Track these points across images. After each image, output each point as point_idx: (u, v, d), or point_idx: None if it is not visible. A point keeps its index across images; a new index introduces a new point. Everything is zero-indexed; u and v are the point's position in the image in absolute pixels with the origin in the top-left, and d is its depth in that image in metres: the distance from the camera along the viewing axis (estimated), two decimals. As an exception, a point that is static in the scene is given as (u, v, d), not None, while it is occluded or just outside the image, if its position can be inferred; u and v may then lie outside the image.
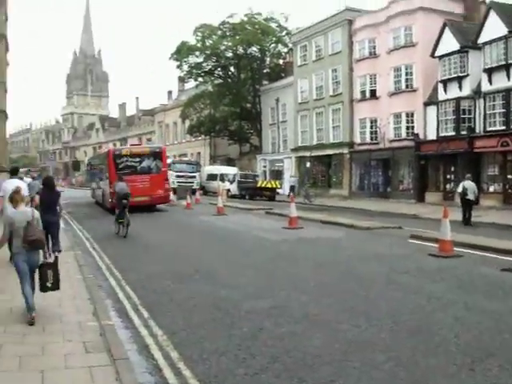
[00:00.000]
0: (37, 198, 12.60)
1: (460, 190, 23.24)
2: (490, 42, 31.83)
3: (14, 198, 8.20)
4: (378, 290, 9.92)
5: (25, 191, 11.81)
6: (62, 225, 17.35)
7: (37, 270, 8.13)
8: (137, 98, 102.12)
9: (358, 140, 43.55)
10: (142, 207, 26.19)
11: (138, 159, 28.95)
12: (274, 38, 60.01)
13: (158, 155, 29.72)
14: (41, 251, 8.23)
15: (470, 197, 22.59)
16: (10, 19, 32.20)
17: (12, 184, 11.44)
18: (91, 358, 6.36)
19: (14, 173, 14.06)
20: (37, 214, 8.29)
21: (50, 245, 12.40)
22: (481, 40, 32.34)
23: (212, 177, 50.82)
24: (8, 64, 32.38)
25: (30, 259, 7.89)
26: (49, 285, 8.24)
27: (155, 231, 20.50)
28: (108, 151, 31.46)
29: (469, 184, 23.06)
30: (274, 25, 59.85)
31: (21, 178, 14.80)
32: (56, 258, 8.86)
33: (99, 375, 5.80)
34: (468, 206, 22.61)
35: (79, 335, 7.21)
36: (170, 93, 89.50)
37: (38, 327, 7.55)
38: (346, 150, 44.67)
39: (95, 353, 6.52)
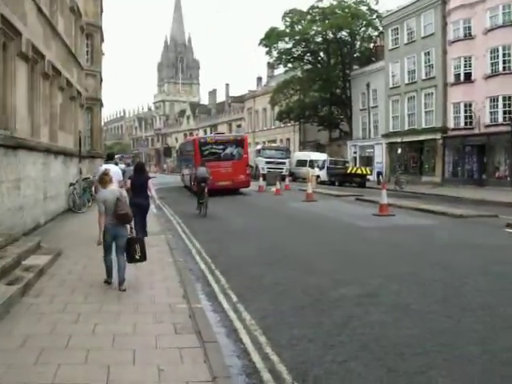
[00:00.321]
0: (128, 182, 13.17)
1: None
2: None
3: (104, 179, 9.19)
4: (472, 281, 9.57)
5: (119, 176, 13.15)
6: (153, 209, 17.90)
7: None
8: (227, 84, 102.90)
9: (451, 125, 42.20)
10: (225, 190, 28.55)
11: (221, 147, 31.49)
12: (365, 22, 58.94)
13: (240, 143, 32.16)
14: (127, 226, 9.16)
15: None
16: (104, 11, 33.15)
17: (108, 168, 11.66)
18: (181, 339, 6.49)
19: (109, 158, 15.56)
20: (124, 192, 9.53)
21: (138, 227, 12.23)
22: None
23: (301, 163, 50.75)
24: (103, 54, 33.42)
25: (116, 232, 8.86)
26: (137, 257, 9.07)
27: (245, 217, 20.67)
28: (194, 139, 34.58)
29: None
30: (364, 8, 58.81)
31: (116, 164, 15.71)
32: (139, 237, 9.88)
33: (188, 356, 5.90)
34: None
35: (169, 317, 7.36)
36: (259, 79, 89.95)
37: (131, 307, 7.80)
38: (438, 136, 43.40)
39: (184, 334, 6.65)
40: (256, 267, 10.86)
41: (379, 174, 44.07)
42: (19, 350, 5.95)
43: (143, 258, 9.17)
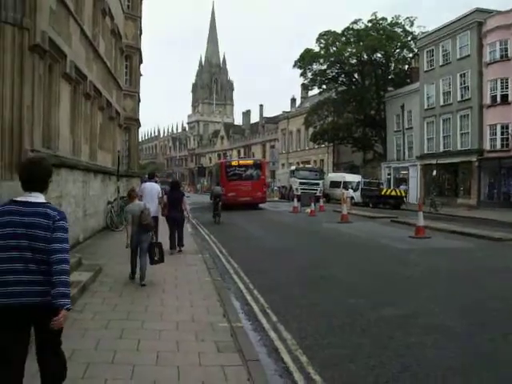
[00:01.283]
0: (165, 197, 15.63)
1: None
2: None
3: (131, 195, 11.26)
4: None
5: (159, 192, 15.08)
6: (189, 229, 18.57)
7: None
8: (261, 105, 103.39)
9: (487, 147, 41.79)
10: (246, 205, 35.34)
11: (243, 169, 38.11)
12: (399, 43, 59.01)
13: (258, 166, 39.10)
14: (150, 233, 11.03)
15: None
16: (143, 32, 33.78)
17: (150, 186, 15.04)
18: (223, 357, 6.55)
19: (151, 177, 16.83)
20: (148, 206, 11.31)
21: (177, 240, 15.28)
22: None
23: (335, 184, 50.70)
24: (141, 75, 34.02)
25: (139, 238, 10.69)
26: (156, 258, 10.79)
27: (282, 238, 20.73)
28: (221, 162, 43.18)
29: None
30: (398, 30, 58.91)
31: (156, 182, 16.93)
32: (159, 242, 11.44)
33: (232, 374, 5.96)
34: None
35: (211, 335, 7.44)
36: (293, 100, 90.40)
37: (173, 325, 7.89)
38: (474, 158, 42.98)
39: (227, 353, 6.71)
40: (294, 287, 10.90)
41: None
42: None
43: (161, 259, 10.94)
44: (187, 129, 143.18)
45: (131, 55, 30.37)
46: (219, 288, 10.39)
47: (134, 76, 31.28)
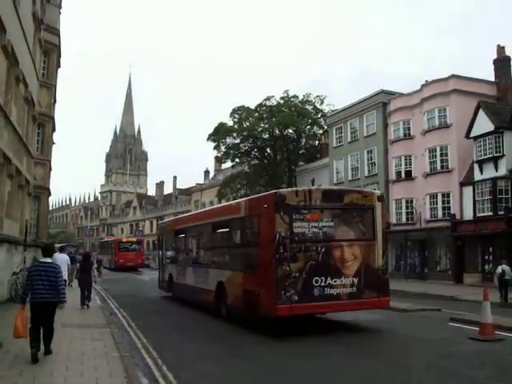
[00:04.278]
0: (78, 265, 20.71)
1: (500, 271, 24.87)
2: (525, 123, 32.06)
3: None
4: (418, 376, 9.74)
5: (68, 262, 20.29)
6: (98, 301, 18.81)
7: None
8: (174, 177, 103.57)
9: (393, 221, 43.40)
10: (130, 268, 52.37)
11: (129, 244, 57.22)
12: (310, 120, 61.17)
13: (139, 242, 58.79)
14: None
15: (507, 277, 24.34)
16: (57, 101, 33.61)
17: (61, 256, 19.05)
18: None
19: (61, 250, 18.41)
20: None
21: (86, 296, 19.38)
22: (515, 121, 32.62)
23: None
24: (54, 143, 33.65)
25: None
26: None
27: (187, 311, 20.48)
28: (115, 239, 61.81)
29: (505, 267, 24.82)
30: (309, 107, 61.17)
31: (66, 253, 20.40)
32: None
33: None
34: (505, 286, 24.10)
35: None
36: (207, 172, 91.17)
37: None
38: (381, 231, 44.35)
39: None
40: (204, 363, 10.79)
41: None
42: None
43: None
44: (100, 198, 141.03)
45: (44, 123, 30.09)
46: (127, 364, 10.14)
47: (46, 144, 30.91)
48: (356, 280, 14.49)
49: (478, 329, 13.78)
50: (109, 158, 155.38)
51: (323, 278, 13.99)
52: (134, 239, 60.82)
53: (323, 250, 14.27)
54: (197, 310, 20.28)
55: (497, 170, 34.10)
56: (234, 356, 11.66)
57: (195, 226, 22.01)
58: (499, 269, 25.11)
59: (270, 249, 13.93)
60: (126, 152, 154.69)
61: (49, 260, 10.39)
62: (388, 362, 11.00)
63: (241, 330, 15.38)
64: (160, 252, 27.76)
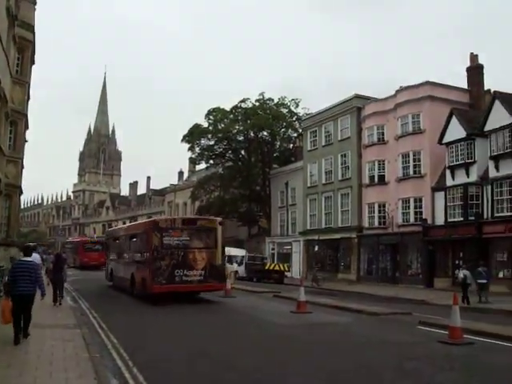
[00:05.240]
0: (50, 265, 21.60)
1: (462, 276, 26.30)
2: (496, 130, 32.57)
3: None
4: (388, 379, 9.82)
5: (39, 261, 20.53)
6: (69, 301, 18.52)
7: None
8: (148, 177, 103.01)
9: (366, 224, 43.75)
10: (94, 267, 52.87)
11: (93, 245, 58.31)
12: (285, 123, 61.40)
13: (101, 243, 53.39)
14: None
15: (469, 281, 26.02)
16: (31, 98, 33.20)
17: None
18: None
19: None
20: None
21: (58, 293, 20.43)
22: (487, 128, 33.14)
23: (220, 258, 50.82)
24: (27, 141, 33.20)
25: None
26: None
27: (158, 312, 20.39)
28: (80, 240, 64.22)
29: (466, 272, 26.50)
30: (284, 110, 61.40)
31: (38, 253, 20.76)
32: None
33: None
34: (466, 289, 25.65)
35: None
36: (181, 173, 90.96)
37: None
38: (354, 235, 44.79)
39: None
40: (173, 363, 10.75)
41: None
42: None
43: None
44: (72, 197, 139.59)
45: (17, 121, 29.60)
46: (97, 365, 10.06)
47: (18, 142, 30.39)
48: (203, 272, 22.84)
49: (447, 332, 13.94)
50: (82, 157, 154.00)
51: (182, 270, 22.39)
52: (96, 240, 63.23)
53: (182, 253, 22.62)
54: (123, 292, 27.09)
55: (468, 176, 34.56)
56: (134, 313, 19.60)
57: (122, 235, 30.90)
58: (461, 274, 26.53)
59: (151, 252, 22.56)
60: (100, 151, 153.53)
61: (29, 259, 12.50)
62: (356, 363, 11.08)
63: (141, 301, 23.00)
64: (107, 253, 35.74)
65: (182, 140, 62.15)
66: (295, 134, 62.61)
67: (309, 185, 51.53)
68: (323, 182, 49.37)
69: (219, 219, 25.64)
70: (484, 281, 26.16)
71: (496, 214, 32.67)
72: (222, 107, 62.06)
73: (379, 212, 42.52)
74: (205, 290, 23.99)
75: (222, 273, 24.17)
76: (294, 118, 61.69)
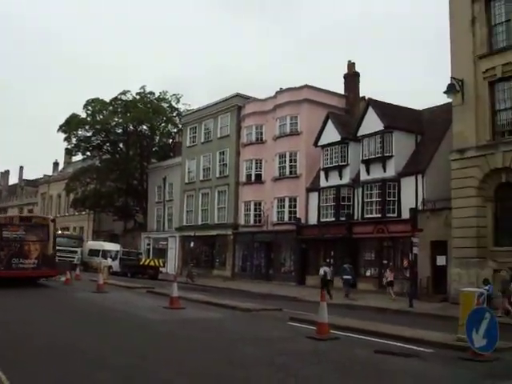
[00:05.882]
0: None
1: (322, 272, 28.10)
2: (368, 136, 34.06)
3: None
4: (257, 373, 9.96)
5: None
6: None
7: None
8: (21, 167, 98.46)
9: (242, 222, 44.35)
10: None
11: None
12: (165, 118, 61.10)
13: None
14: None
15: (328, 277, 28.33)
16: None
17: None
18: None
19: None
20: None
21: None
22: (360, 133, 34.59)
23: (94, 252, 49.72)
24: None
25: None
26: None
27: (22, 308, 19.55)
28: None
29: (327, 268, 28.86)
30: (165, 105, 61.02)
31: None
32: None
33: None
34: (326, 284, 27.08)
35: None
36: (56, 164, 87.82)
37: None
38: (229, 232, 45.26)
39: None
40: (39, 363, 10.34)
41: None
42: None
43: None
44: None
45: None
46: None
47: None
48: (37, 261, 26.71)
49: (315, 328, 14.38)
50: None
51: (18, 258, 26.19)
52: None
53: (18, 245, 26.51)
54: None
55: (341, 178, 35.93)
56: None
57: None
58: (321, 271, 28.24)
59: None
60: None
61: None
62: (226, 358, 11.18)
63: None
64: None
65: (59, 130, 60.19)
66: (175, 130, 62.46)
67: (186, 181, 51.50)
68: (201, 178, 49.54)
69: (51, 217, 32.92)
70: (349, 277, 27.93)
71: (366, 216, 34.20)
72: (101, 98, 60.67)
73: (255, 210, 43.23)
74: (39, 275, 28.11)
75: (53, 261, 28.38)
76: (174, 114, 61.49)
